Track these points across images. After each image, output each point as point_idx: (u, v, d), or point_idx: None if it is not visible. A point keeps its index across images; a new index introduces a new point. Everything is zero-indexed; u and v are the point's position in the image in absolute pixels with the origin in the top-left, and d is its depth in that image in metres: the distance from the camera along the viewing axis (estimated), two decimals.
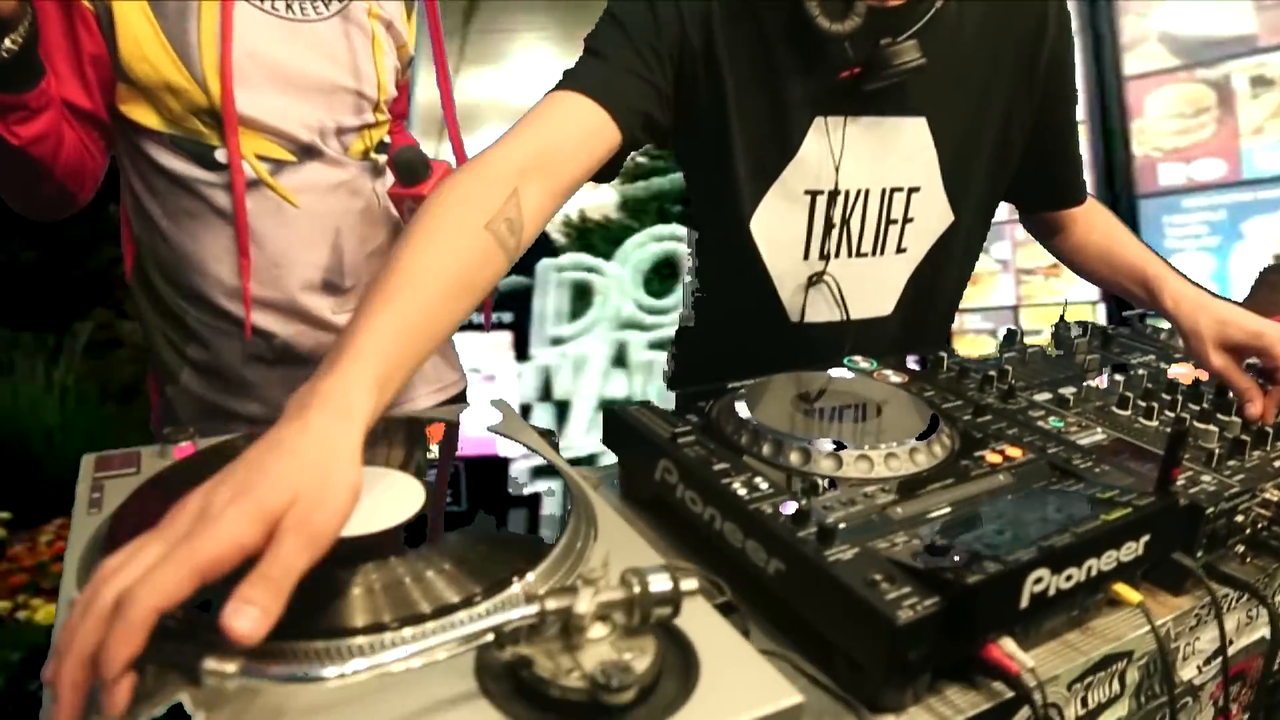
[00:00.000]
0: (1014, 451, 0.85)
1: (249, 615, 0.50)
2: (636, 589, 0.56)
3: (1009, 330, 1.12)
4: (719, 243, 1.22)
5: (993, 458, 0.83)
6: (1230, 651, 0.87)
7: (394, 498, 0.70)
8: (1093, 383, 1.02)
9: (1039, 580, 0.65)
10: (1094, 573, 0.69)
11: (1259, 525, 0.84)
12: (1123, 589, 0.72)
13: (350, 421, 0.63)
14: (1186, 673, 0.84)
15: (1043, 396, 0.98)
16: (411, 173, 1.22)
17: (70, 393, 3.47)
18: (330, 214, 1.29)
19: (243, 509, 0.54)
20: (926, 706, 0.67)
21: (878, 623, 0.62)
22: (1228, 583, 0.81)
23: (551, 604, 0.55)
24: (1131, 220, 3.59)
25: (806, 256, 1.15)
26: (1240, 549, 0.85)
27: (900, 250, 1.17)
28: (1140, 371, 1.08)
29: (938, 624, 0.63)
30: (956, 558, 0.65)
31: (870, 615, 0.63)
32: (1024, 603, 0.65)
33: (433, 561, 0.65)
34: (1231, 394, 0.99)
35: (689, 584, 0.58)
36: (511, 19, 4.53)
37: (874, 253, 1.16)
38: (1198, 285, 1.08)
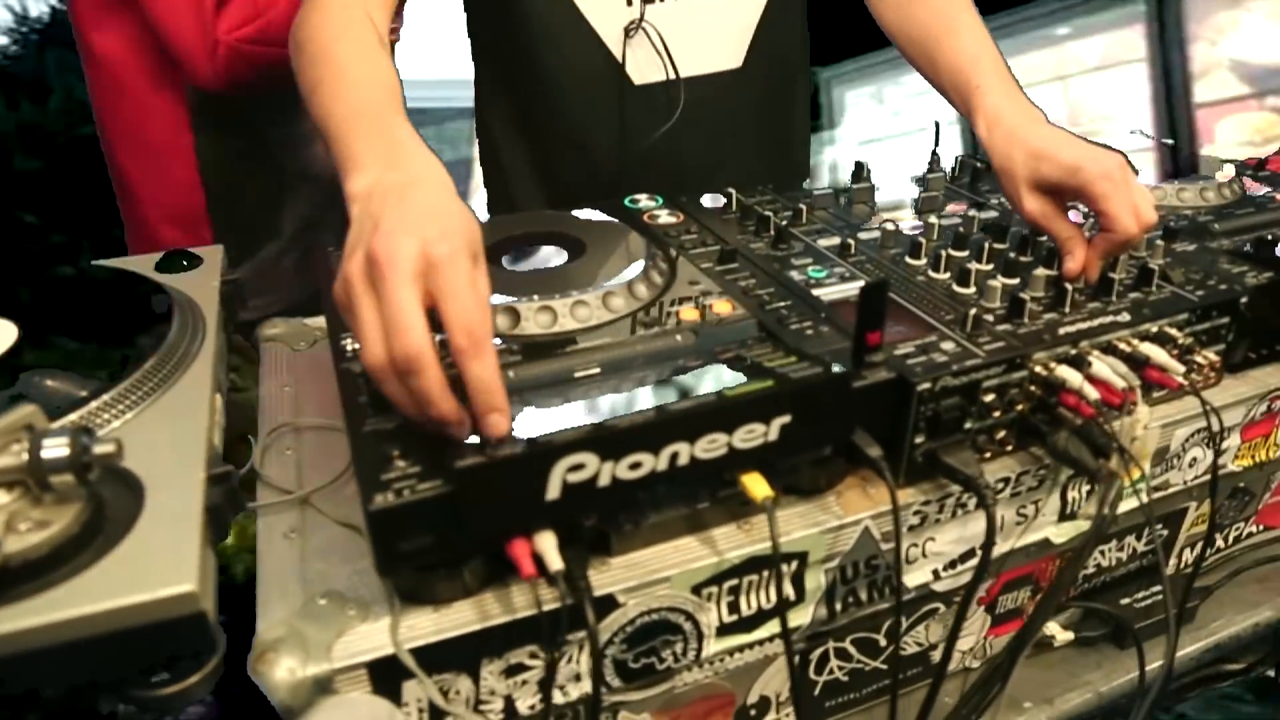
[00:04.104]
0: (722, 306, 0.70)
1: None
2: (24, 456, 0.50)
3: (857, 163, 0.92)
4: (525, 15, 1.00)
5: (688, 314, 0.69)
6: (998, 551, 0.71)
7: None
8: (901, 225, 0.82)
9: (578, 468, 0.53)
10: (689, 460, 0.56)
11: (1017, 405, 0.66)
12: (750, 481, 0.59)
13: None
14: (917, 577, 0.69)
15: (829, 241, 0.80)
16: None
17: None
18: None
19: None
20: (476, 603, 0.58)
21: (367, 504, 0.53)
22: (947, 474, 0.64)
23: None
24: None
25: (631, 2, 0.97)
26: (1001, 434, 0.68)
27: None
28: (977, 215, 0.84)
29: (440, 512, 0.53)
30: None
31: (364, 494, 0.54)
32: (554, 493, 0.54)
33: None
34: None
35: (104, 447, 0.51)
36: None
37: None
38: (1031, 104, 0.80)
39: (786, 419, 0.58)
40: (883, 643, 0.72)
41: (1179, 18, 3.44)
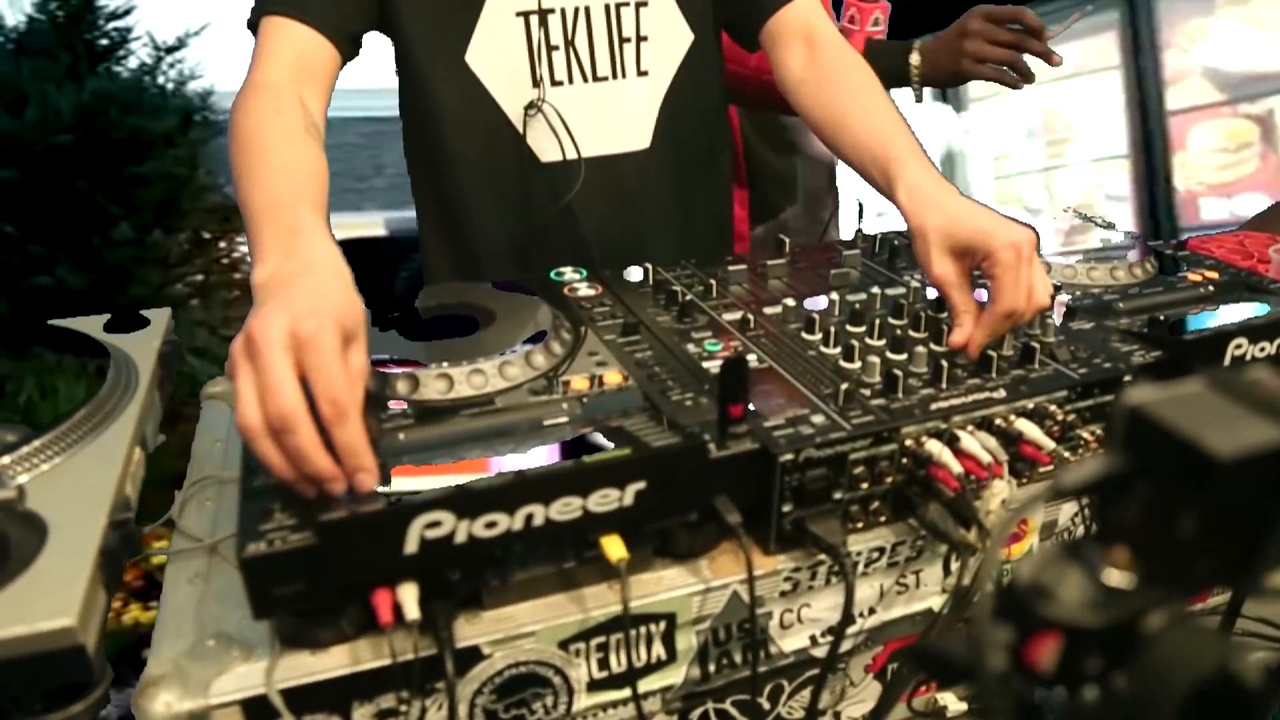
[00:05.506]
0: (613, 377, 0.74)
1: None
2: None
3: (778, 238, 0.96)
4: (434, 90, 1.07)
5: (579, 384, 0.73)
6: (879, 620, 0.74)
7: None
8: (805, 301, 0.86)
9: (435, 525, 0.58)
10: (544, 521, 0.60)
11: (887, 477, 0.69)
12: (609, 543, 0.62)
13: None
14: (794, 642, 0.72)
15: (732, 316, 0.84)
16: None
17: None
18: None
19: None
20: (351, 648, 0.62)
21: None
22: (814, 542, 0.67)
23: None
24: None
25: (536, 84, 1.04)
26: (875, 505, 0.70)
27: (642, 73, 1.07)
28: (881, 292, 0.88)
29: (308, 561, 0.57)
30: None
31: (239, 543, 0.59)
32: (413, 548, 0.58)
33: None
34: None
35: (5, 493, 0.57)
36: None
37: (613, 76, 1.06)
38: (947, 183, 0.83)
39: (642, 485, 0.62)
40: (765, 705, 0.74)
41: (1151, 25, 3.49)
